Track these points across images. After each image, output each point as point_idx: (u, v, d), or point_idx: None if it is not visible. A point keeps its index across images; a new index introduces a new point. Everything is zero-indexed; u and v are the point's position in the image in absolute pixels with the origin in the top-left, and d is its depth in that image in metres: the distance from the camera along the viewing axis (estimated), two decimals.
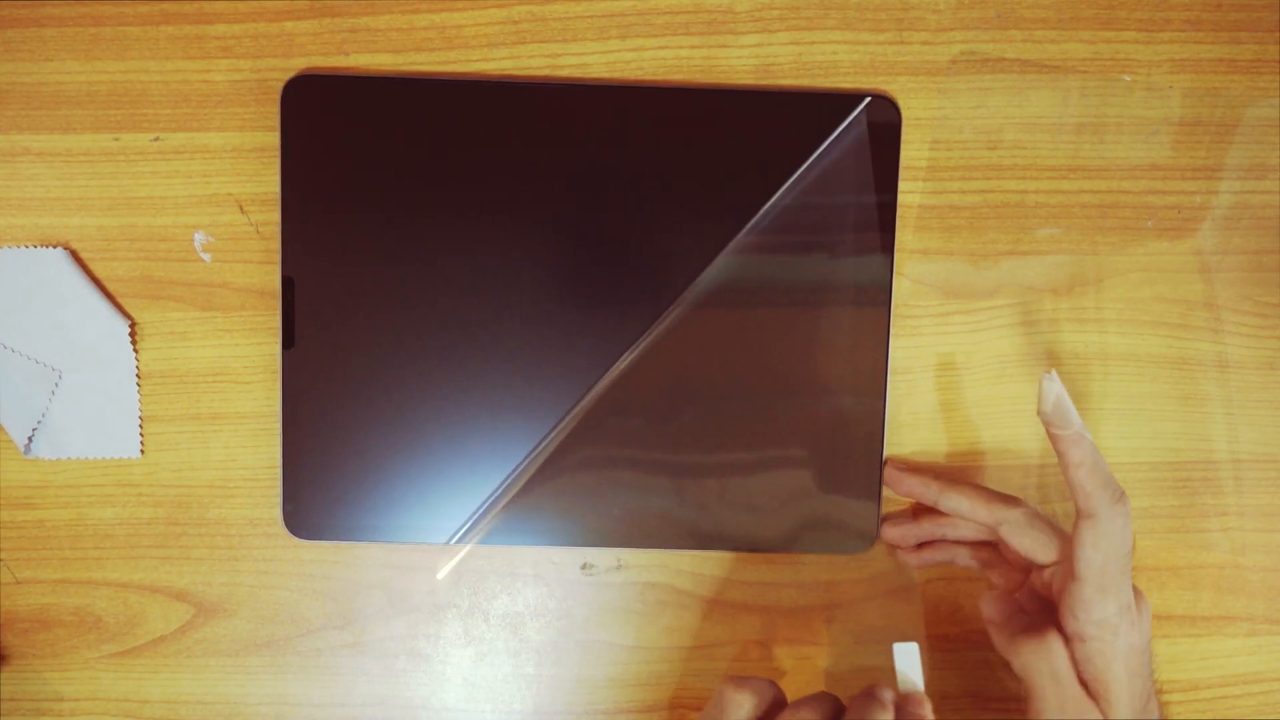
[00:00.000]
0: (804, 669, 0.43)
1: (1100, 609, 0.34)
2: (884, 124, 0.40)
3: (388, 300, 0.40)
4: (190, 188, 0.41)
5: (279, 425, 0.40)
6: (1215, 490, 0.43)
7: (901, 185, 0.40)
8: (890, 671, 0.44)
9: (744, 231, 0.40)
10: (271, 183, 0.40)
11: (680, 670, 0.43)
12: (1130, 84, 0.41)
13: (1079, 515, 0.35)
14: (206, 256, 0.41)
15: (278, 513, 0.42)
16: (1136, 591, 0.36)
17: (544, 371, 0.40)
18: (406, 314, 0.40)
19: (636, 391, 0.40)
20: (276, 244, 0.40)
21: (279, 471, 0.41)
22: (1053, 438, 0.35)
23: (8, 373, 0.41)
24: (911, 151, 0.41)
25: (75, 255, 0.41)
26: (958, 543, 0.41)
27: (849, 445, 0.41)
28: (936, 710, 0.43)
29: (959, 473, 0.42)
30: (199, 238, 0.41)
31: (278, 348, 0.41)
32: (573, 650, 0.43)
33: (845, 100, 0.40)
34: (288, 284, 0.40)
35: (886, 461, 0.41)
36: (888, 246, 0.40)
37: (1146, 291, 0.42)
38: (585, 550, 0.43)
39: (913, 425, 0.42)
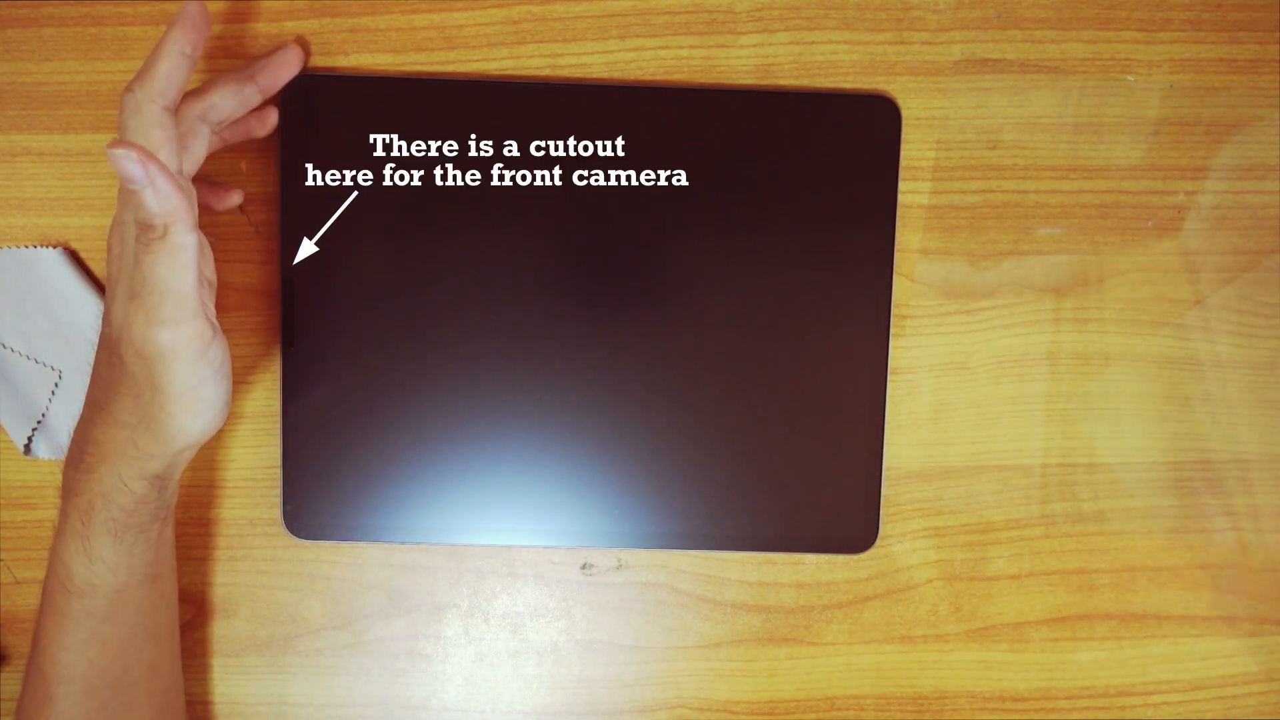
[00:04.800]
0: (804, 669, 0.43)
1: None
2: (884, 124, 0.40)
3: (388, 300, 0.40)
4: None
5: (279, 425, 0.40)
6: (1215, 490, 0.43)
7: (901, 185, 0.40)
8: (888, 672, 0.44)
9: (743, 232, 0.40)
10: (271, 183, 0.40)
11: (680, 670, 0.43)
12: (1131, 84, 0.41)
13: None
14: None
15: (278, 513, 0.42)
16: None
17: (544, 371, 0.40)
18: (407, 314, 0.40)
19: (636, 391, 0.40)
20: (276, 244, 0.40)
21: (279, 471, 0.41)
22: None
23: (8, 373, 0.41)
24: (911, 151, 0.41)
25: (75, 255, 0.41)
26: None
27: (849, 445, 0.41)
28: (934, 711, 0.43)
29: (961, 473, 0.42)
30: None
31: (278, 348, 0.41)
32: (573, 650, 0.43)
33: (845, 100, 0.40)
34: (288, 284, 0.40)
35: None
36: (888, 246, 0.40)
37: (1146, 291, 0.42)
38: (585, 550, 0.43)
39: (913, 425, 0.42)
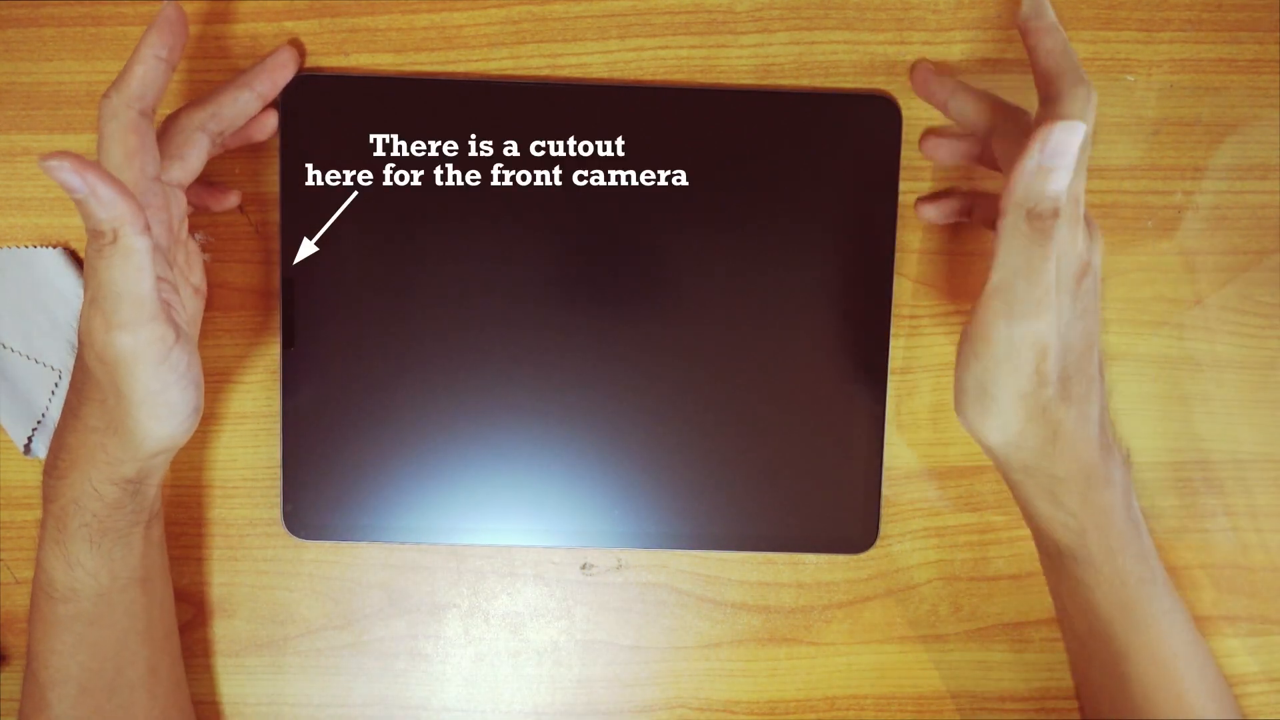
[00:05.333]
0: (804, 669, 0.43)
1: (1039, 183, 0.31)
2: (884, 124, 0.40)
3: (388, 300, 0.40)
4: None
5: (279, 425, 0.40)
6: (1215, 490, 0.43)
7: (902, 185, 0.40)
8: (888, 672, 0.44)
9: (744, 232, 0.40)
10: (271, 183, 0.40)
11: (680, 670, 0.43)
12: (1130, 84, 0.41)
13: (1040, 102, 0.33)
14: (206, 256, 0.41)
15: (278, 513, 0.42)
16: (1090, 221, 0.34)
17: (544, 371, 0.40)
18: (406, 314, 0.40)
19: (637, 392, 0.40)
20: (276, 244, 0.40)
21: (279, 471, 0.41)
22: (1026, 34, 0.34)
23: (8, 373, 0.41)
24: (912, 151, 0.41)
25: (75, 255, 0.41)
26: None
27: (849, 445, 0.41)
28: (934, 711, 0.43)
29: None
30: (198, 238, 0.41)
31: (278, 348, 0.41)
32: (573, 650, 0.43)
33: (845, 100, 0.40)
34: (287, 284, 0.40)
35: (918, 63, 0.39)
36: (888, 246, 0.40)
37: (1146, 291, 0.42)
38: (585, 550, 0.43)
39: (913, 425, 0.42)
